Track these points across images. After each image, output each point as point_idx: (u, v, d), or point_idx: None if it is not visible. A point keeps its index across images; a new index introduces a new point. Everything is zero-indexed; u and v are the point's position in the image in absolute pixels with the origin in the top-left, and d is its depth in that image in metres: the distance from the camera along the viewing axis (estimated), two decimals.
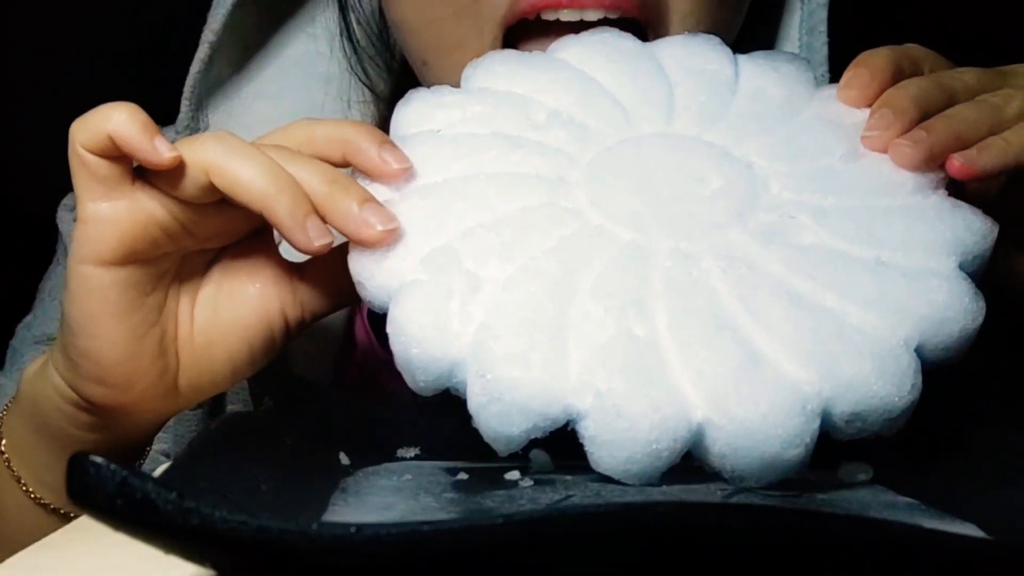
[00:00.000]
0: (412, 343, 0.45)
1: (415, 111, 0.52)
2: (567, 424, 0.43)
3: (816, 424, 0.43)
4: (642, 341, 0.44)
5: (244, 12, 0.63)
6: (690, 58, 0.54)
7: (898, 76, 0.50)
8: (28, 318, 0.71)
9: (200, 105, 0.64)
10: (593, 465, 0.44)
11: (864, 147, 0.49)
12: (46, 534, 0.47)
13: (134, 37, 0.96)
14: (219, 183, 0.46)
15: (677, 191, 0.49)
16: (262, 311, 0.51)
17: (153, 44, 0.88)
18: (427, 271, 0.46)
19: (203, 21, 0.63)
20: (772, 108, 0.52)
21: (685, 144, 0.51)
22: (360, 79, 0.67)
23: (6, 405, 0.56)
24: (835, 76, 0.54)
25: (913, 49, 0.52)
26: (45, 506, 0.54)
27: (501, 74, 0.53)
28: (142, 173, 0.48)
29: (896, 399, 0.43)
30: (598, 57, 0.54)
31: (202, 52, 0.62)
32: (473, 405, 0.44)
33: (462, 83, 0.54)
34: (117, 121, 0.46)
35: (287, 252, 0.52)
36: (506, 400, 0.43)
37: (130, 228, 0.47)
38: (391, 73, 0.68)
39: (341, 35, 0.67)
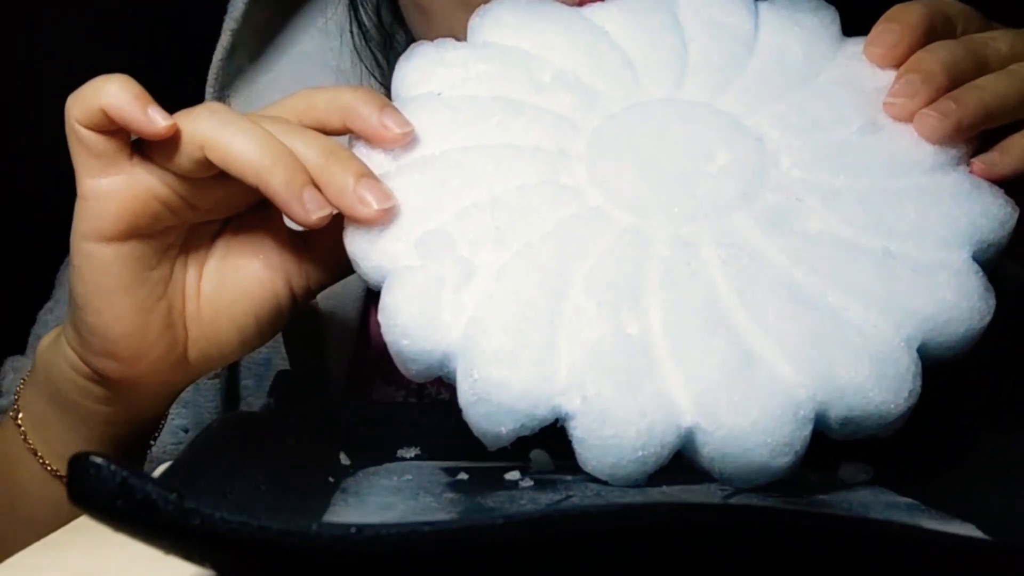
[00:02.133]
0: (403, 334, 0.44)
1: (416, 68, 0.51)
2: (557, 420, 0.43)
3: (808, 430, 0.42)
4: (634, 340, 0.43)
5: (259, 6, 0.63)
6: (709, 7, 0.52)
7: (930, 35, 0.48)
8: (49, 304, 0.72)
9: (222, 97, 0.65)
10: (581, 464, 0.43)
11: (885, 114, 0.48)
12: (61, 509, 0.47)
13: (137, 32, 0.96)
14: (213, 157, 0.46)
15: (681, 168, 0.47)
16: (267, 282, 0.51)
17: (159, 41, 0.88)
18: (420, 256, 0.45)
19: (214, 11, 0.63)
20: (790, 69, 0.50)
21: (694, 113, 0.49)
22: (369, 70, 0.67)
23: (22, 380, 0.56)
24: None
25: (947, 5, 0.50)
26: (61, 478, 0.54)
27: (509, 25, 0.52)
28: (140, 148, 0.47)
29: (892, 407, 0.43)
30: (612, 5, 0.52)
31: (224, 40, 0.63)
32: (462, 401, 0.43)
33: (468, 33, 0.52)
34: (109, 93, 0.45)
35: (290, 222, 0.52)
36: (493, 400, 0.43)
37: (130, 203, 0.47)
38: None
39: (351, 27, 0.67)
